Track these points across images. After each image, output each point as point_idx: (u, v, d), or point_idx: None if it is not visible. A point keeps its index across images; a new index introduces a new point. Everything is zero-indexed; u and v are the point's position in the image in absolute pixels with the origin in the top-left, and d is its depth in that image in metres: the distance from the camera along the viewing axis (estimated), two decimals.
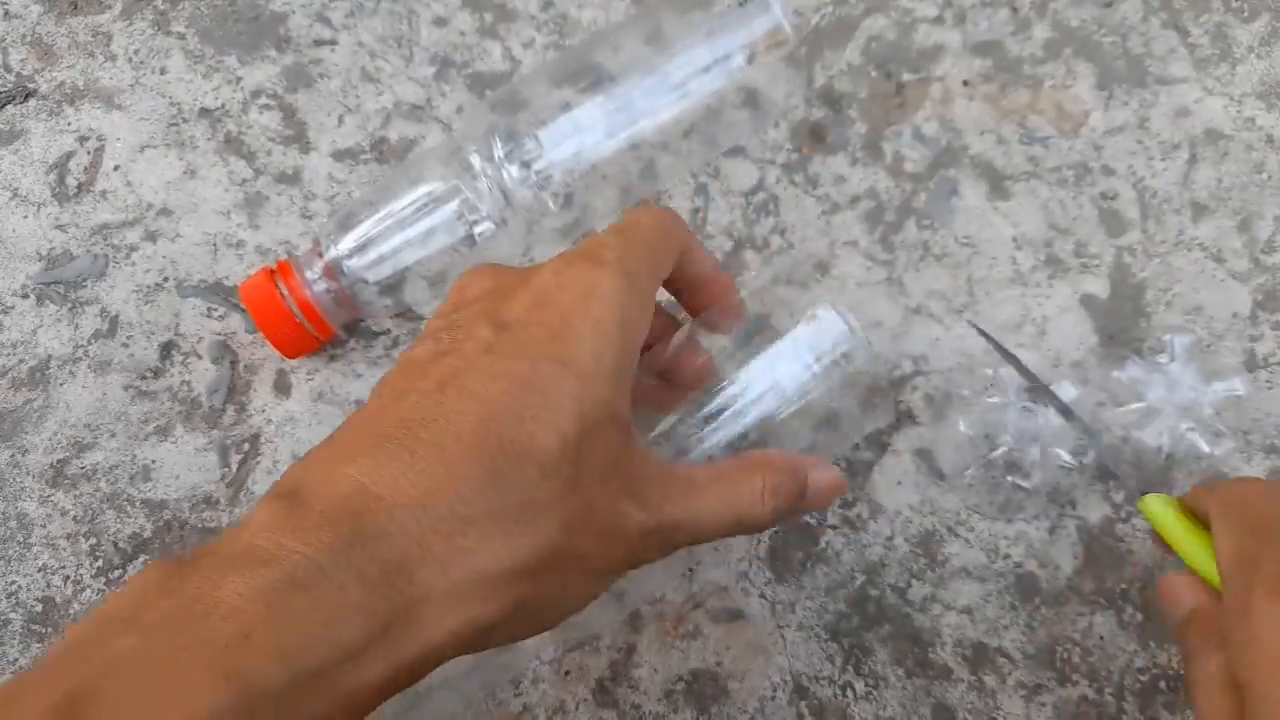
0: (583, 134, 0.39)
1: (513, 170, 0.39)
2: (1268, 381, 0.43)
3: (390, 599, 0.23)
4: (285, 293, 0.41)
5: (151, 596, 0.23)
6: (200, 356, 0.45)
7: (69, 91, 0.50)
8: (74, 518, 0.42)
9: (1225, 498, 0.32)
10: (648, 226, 0.31)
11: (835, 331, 0.34)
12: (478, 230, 0.40)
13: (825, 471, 0.32)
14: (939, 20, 0.50)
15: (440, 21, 0.51)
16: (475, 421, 0.25)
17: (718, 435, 0.33)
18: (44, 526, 0.42)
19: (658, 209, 0.32)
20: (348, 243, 0.40)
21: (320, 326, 0.41)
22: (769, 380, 0.33)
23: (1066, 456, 0.40)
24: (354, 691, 0.23)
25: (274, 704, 0.21)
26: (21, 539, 0.42)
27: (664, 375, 0.34)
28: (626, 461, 0.28)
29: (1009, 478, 0.40)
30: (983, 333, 0.41)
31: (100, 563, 0.41)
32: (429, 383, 0.26)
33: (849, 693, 0.39)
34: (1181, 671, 0.39)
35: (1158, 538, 0.35)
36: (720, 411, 0.33)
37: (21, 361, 0.45)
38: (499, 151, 0.39)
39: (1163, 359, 0.42)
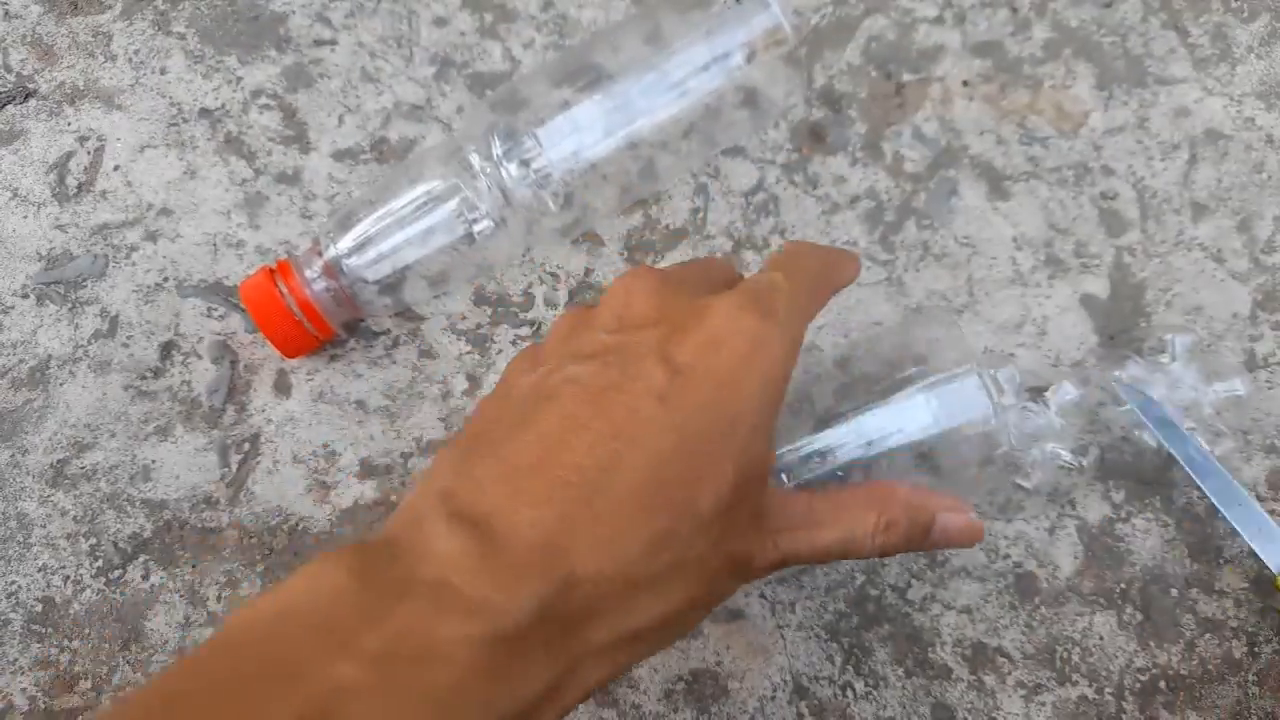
0: (581, 133, 0.39)
1: (511, 169, 0.39)
2: (1268, 381, 0.43)
3: (567, 657, 0.24)
4: (285, 292, 0.41)
5: (355, 617, 0.23)
6: (200, 356, 0.45)
7: (69, 91, 0.50)
8: (74, 518, 0.42)
9: None
10: (815, 272, 0.31)
11: (978, 406, 0.34)
12: (477, 229, 0.40)
13: (958, 516, 0.32)
14: (939, 20, 0.50)
15: (440, 22, 0.51)
16: (647, 479, 0.26)
17: (824, 470, 0.33)
18: (44, 526, 0.42)
19: (827, 250, 0.32)
20: (347, 241, 0.40)
21: (320, 326, 0.41)
22: (895, 431, 0.34)
23: (1067, 456, 0.40)
24: None
25: None
26: (21, 539, 0.42)
27: None
28: (763, 504, 0.29)
29: (1011, 479, 0.40)
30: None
31: (100, 563, 0.41)
32: (603, 421, 0.26)
33: (849, 692, 0.39)
34: (1182, 671, 0.39)
35: None
36: (835, 451, 0.33)
37: (21, 361, 0.45)
38: (498, 150, 0.40)
39: (1164, 359, 0.42)
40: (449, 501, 0.25)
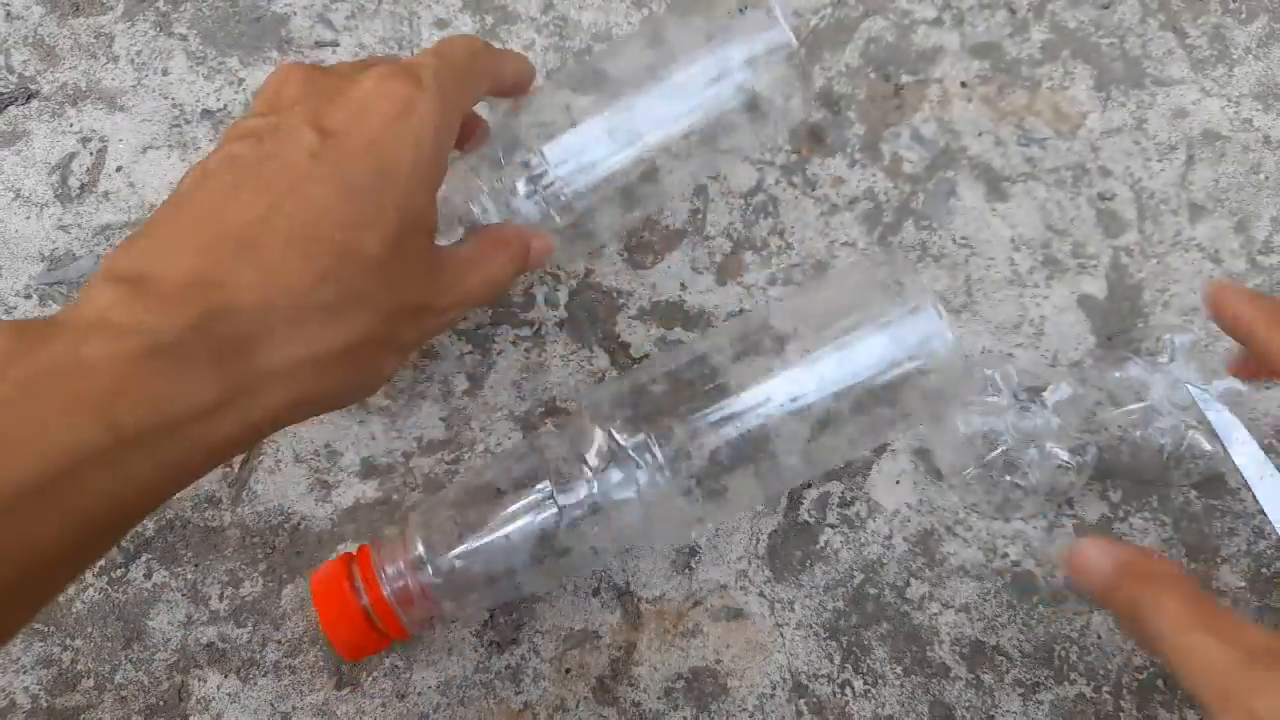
0: (589, 150, 0.39)
1: (519, 185, 0.39)
2: (1265, 382, 0.43)
3: (237, 372, 0.27)
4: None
5: (9, 357, 0.25)
6: None
7: (71, 93, 0.50)
8: None
9: None
10: (461, 53, 0.34)
11: (936, 337, 0.35)
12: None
13: (540, 239, 0.37)
14: (937, 22, 0.50)
15: (441, 23, 0.51)
16: (306, 223, 0.29)
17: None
18: None
19: (471, 38, 0.36)
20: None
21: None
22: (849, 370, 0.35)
23: (1065, 455, 0.40)
24: (209, 444, 0.27)
25: (142, 448, 0.25)
26: None
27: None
28: (431, 257, 0.33)
29: (1006, 477, 0.40)
30: None
31: (103, 561, 0.41)
32: (260, 182, 0.29)
33: (848, 690, 0.39)
34: None
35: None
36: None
37: None
38: (505, 167, 0.39)
39: (1162, 359, 0.42)
40: (109, 270, 0.28)
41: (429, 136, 0.31)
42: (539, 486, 0.36)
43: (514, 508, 0.36)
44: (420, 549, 0.35)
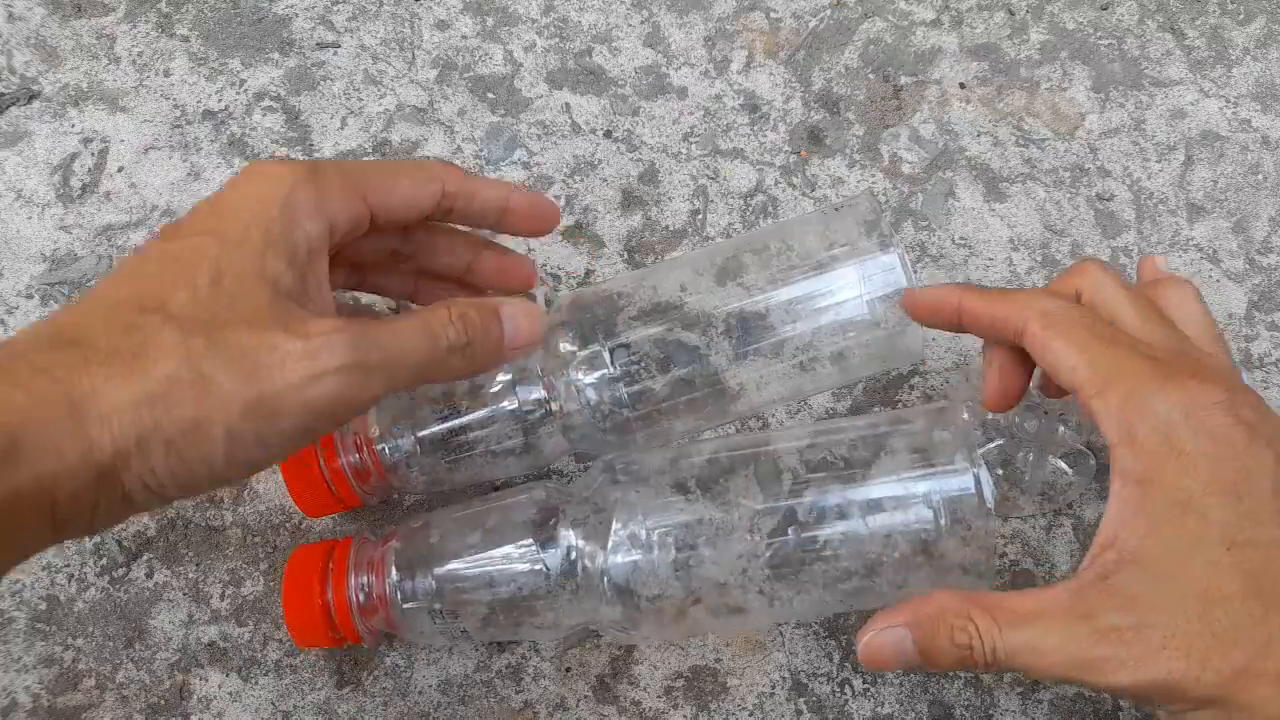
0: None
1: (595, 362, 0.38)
2: (1263, 381, 0.43)
3: (75, 380, 0.26)
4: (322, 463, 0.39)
5: None
6: None
7: (73, 93, 0.50)
8: None
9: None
10: (363, 163, 0.35)
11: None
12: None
13: (519, 305, 0.33)
14: (936, 23, 0.51)
15: (442, 25, 0.51)
16: (117, 288, 0.29)
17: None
18: None
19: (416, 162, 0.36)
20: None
21: (347, 494, 0.39)
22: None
23: (1063, 465, 0.40)
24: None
25: None
26: None
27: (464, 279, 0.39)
28: (287, 311, 0.29)
29: (999, 471, 0.40)
30: None
31: (104, 561, 0.41)
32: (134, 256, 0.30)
33: (847, 689, 0.39)
34: None
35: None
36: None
37: None
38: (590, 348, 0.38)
39: None
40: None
41: (274, 196, 0.30)
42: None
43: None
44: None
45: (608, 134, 0.48)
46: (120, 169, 0.48)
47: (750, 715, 0.39)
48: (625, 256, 0.46)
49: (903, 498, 0.34)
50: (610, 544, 0.35)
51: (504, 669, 0.39)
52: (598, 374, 0.37)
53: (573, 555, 0.35)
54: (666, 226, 0.47)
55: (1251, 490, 0.27)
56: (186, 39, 0.51)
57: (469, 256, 0.38)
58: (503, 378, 0.39)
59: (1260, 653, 0.26)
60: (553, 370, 0.38)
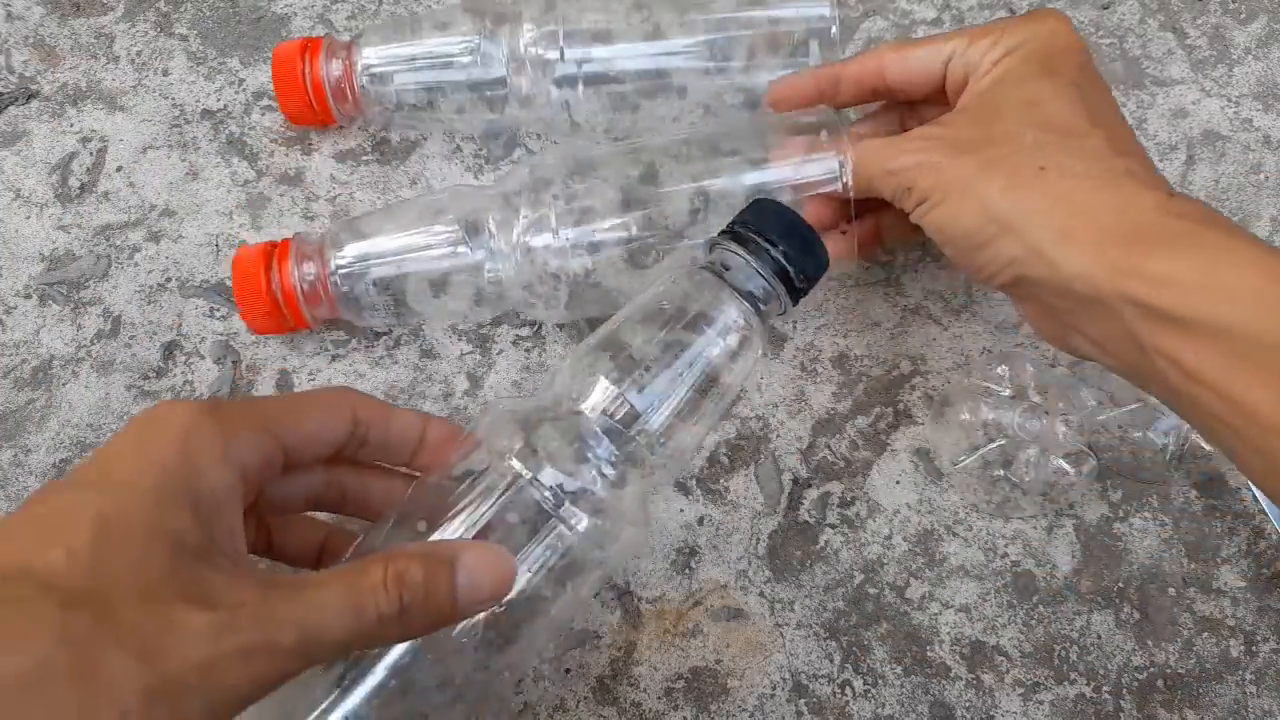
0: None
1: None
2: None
3: None
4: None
5: None
6: (203, 357, 0.45)
7: (71, 93, 0.50)
8: None
9: None
10: (276, 401, 0.32)
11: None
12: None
13: (481, 554, 0.28)
14: (937, 22, 0.50)
15: (442, 25, 0.51)
16: None
17: None
18: None
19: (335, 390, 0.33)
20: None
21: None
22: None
23: (1064, 465, 0.40)
24: None
25: None
26: None
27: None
28: (190, 574, 0.25)
29: (1000, 471, 0.40)
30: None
31: None
32: None
33: (848, 690, 0.39)
34: (1179, 670, 0.39)
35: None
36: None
37: (24, 361, 0.45)
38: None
39: None
40: None
41: (169, 436, 0.27)
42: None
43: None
44: None
45: (606, 131, 0.48)
46: (119, 168, 0.48)
47: (750, 717, 0.39)
48: (625, 256, 0.46)
49: None
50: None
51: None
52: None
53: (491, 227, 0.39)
54: (666, 226, 0.47)
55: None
56: (185, 38, 0.51)
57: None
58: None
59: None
60: None
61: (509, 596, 0.30)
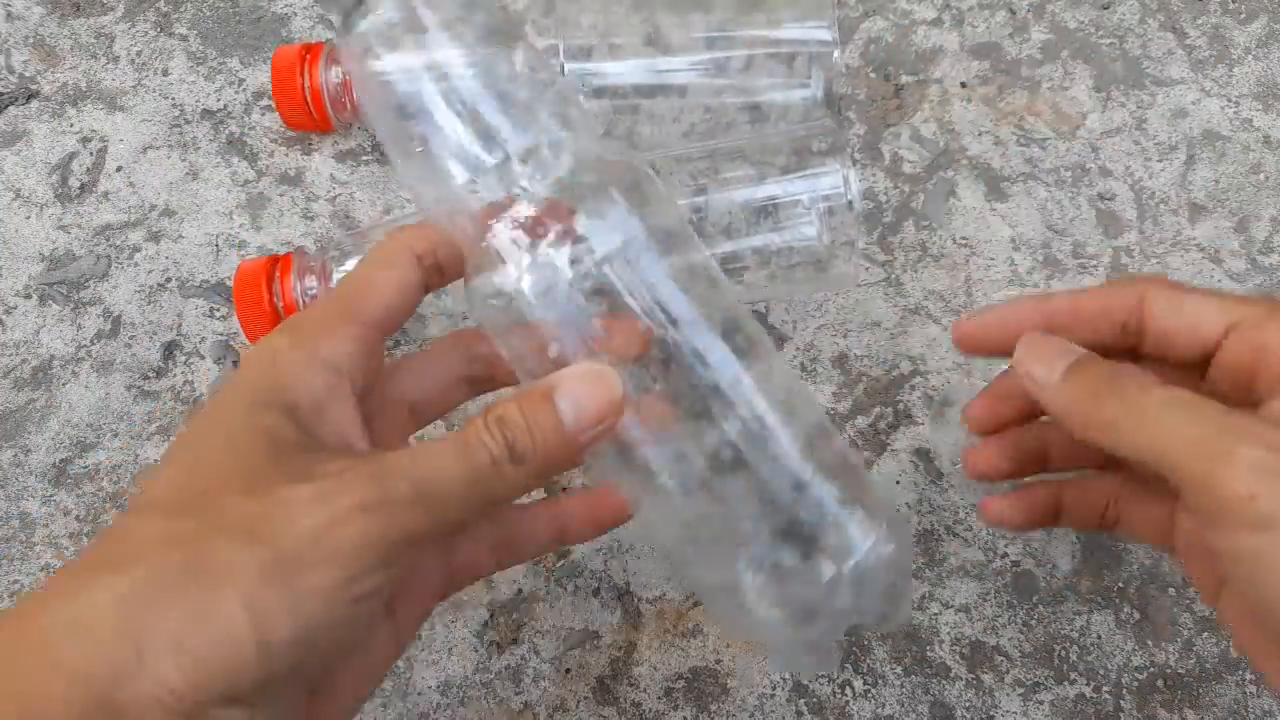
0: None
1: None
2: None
3: None
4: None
5: None
6: (203, 356, 0.45)
7: (71, 93, 0.50)
8: (76, 517, 0.42)
9: None
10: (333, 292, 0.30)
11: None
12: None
13: (577, 375, 0.27)
14: (937, 22, 0.50)
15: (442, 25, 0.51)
16: None
17: None
18: (46, 526, 0.42)
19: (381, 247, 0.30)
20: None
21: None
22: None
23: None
24: None
25: None
26: (24, 538, 0.42)
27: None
28: (292, 462, 0.25)
29: None
30: None
31: None
32: None
33: (847, 690, 0.39)
34: (1179, 670, 0.39)
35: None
36: None
37: (24, 361, 0.45)
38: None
39: None
40: None
41: (255, 365, 0.27)
42: None
43: None
44: None
45: (607, 134, 0.48)
46: (119, 168, 0.48)
47: (750, 716, 0.39)
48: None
49: None
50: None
51: (503, 670, 0.39)
52: None
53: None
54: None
55: None
56: (185, 38, 0.51)
57: (550, 518, 0.32)
58: None
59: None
60: None
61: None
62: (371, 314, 0.29)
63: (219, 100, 0.50)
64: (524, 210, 0.28)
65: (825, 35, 0.43)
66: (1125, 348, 0.30)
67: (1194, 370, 0.29)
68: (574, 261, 0.28)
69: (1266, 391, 0.27)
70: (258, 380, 0.26)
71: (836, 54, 0.43)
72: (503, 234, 0.28)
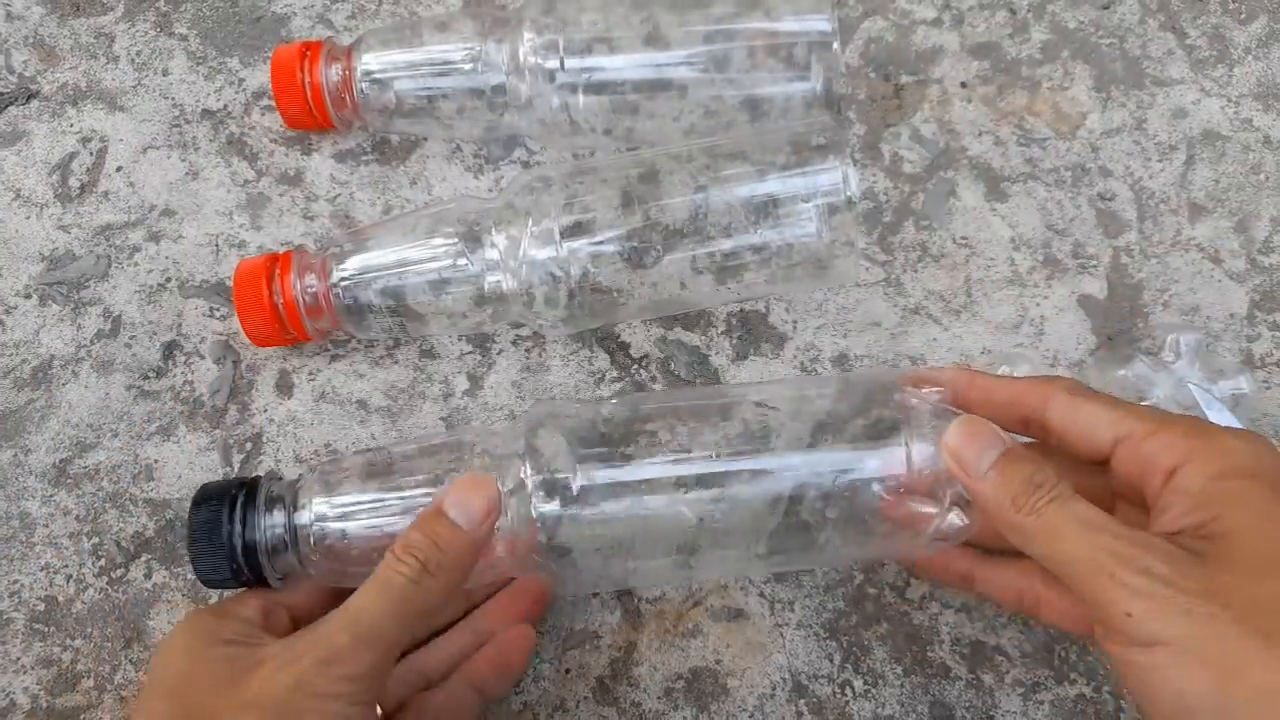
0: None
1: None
2: (1265, 382, 0.43)
3: None
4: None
5: None
6: (203, 356, 0.45)
7: (71, 93, 0.50)
8: (76, 517, 0.42)
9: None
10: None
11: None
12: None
13: (457, 487, 0.33)
14: (937, 22, 0.50)
15: (441, 25, 0.51)
16: None
17: None
18: (47, 526, 0.42)
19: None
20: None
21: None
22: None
23: None
24: None
25: None
26: (24, 538, 0.42)
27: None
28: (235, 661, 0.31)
29: None
30: None
31: (103, 562, 0.41)
32: None
33: (848, 691, 0.39)
34: None
35: None
36: None
37: (24, 361, 0.45)
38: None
39: (1168, 357, 0.42)
40: None
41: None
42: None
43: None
44: None
45: (607, 132, 0.48)
46: (119, 168, 0.48)
47: (750, 717, 0.39)
48: (625, 256, 0.46)
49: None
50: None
51: None
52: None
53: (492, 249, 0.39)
54: (666, 226, 0.47)
55: None
56: (185, 38, 0.51)
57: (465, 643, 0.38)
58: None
59: None
60: None
61: None
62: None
63: (219, 100, 0.50)
64: None
65: (824, 26, 0.43)
66: (1036, 437, 0.33)
67: (1103, 463, 0.31)
68: None
69: (1153, 504, 0.29)
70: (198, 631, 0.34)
71: (836, 45, 0.42)
72: None
